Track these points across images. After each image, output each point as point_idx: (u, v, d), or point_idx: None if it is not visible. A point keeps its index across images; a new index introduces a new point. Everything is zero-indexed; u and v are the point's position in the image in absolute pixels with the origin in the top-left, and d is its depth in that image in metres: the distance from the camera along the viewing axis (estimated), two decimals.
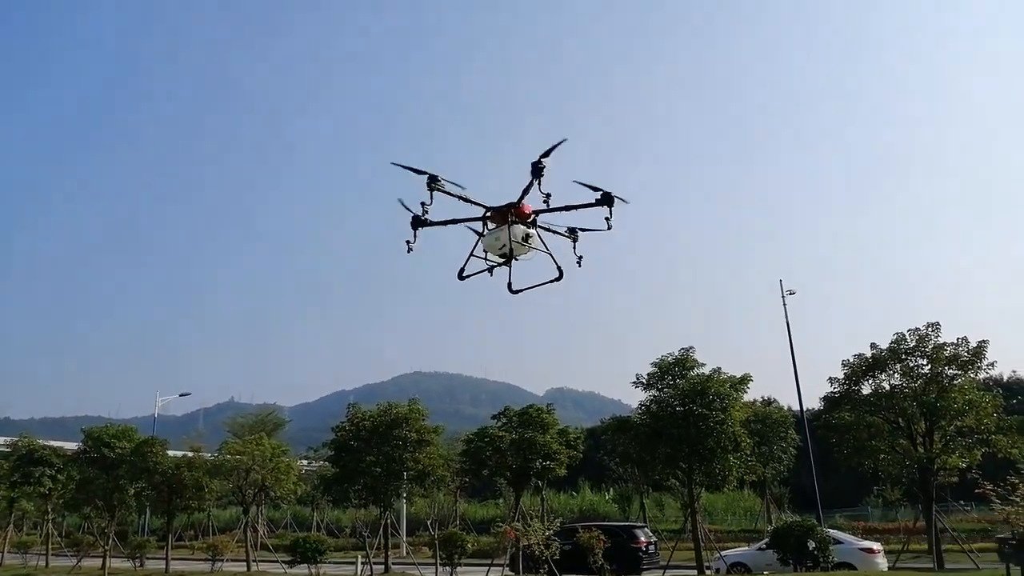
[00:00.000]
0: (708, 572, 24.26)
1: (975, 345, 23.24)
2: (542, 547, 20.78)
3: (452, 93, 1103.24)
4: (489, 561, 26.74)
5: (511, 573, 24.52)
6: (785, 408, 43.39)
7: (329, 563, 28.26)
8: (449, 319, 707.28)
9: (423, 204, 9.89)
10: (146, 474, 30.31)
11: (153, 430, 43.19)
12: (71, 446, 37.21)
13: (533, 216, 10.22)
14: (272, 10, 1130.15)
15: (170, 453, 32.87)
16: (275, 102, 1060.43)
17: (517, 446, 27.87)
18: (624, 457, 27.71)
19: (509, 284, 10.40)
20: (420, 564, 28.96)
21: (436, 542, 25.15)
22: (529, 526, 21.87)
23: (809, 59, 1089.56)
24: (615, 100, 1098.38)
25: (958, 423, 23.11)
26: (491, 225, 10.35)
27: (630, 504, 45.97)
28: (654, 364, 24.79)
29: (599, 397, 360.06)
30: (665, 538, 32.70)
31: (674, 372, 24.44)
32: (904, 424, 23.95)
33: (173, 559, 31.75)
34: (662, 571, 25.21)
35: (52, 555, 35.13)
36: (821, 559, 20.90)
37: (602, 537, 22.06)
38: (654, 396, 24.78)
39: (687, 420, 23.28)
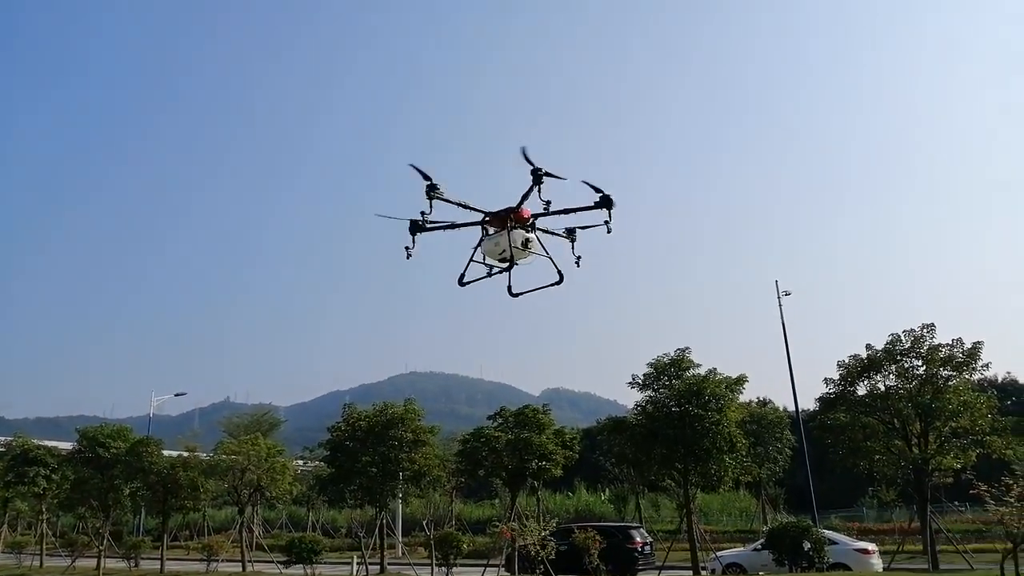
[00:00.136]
0: (704, 573, 24.28)
1: (970, 346, 23.35)
2: (538, 547, 20.78)
3: (459, 99, 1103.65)
4: (485, 561, 26.71)
5: (507, 573, 24.47)
6: (781, 409, 43.62)
7: (325, 563, 28.19)
8: (445, 319, 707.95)
9: (423, 213, 9.94)
10: (141, 474, 30.24)
11: (148, 430, 43.08)
12: (66, 446, 37.10)
13: (532, 220, 10.25)
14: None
15: (165, 453, 32.78)
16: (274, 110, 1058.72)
17: (513, 446, 27.90)
18: (620, 457, 27.74)
19: (509, 287, 10.42)
20: (416, 564, 28.90)
21: (432, 542, 25.11)
22: (525, 526, 21.89)
23: (809, 58, 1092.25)
24: (608, 101, 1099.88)
25: (953, 424, 23.18)
26: (490, 230, 10.38)
27: (626, 504, 46.02)
28: (650, 365, 24.80)
29: (595, 397, 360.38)
30: (661, 538, 32.70)
31: (670, 373, 24.45)
32: (899, 425, 24.01)
33: (168, 559, 31.68)
34: (658, 571, 25.21)
35: (46, 555, 35.00)
36: (816, 560, 20.93)
37: (598, 537, 22.10)
38: (650, 397, 24.78)
39: (683, 421, 23.29)
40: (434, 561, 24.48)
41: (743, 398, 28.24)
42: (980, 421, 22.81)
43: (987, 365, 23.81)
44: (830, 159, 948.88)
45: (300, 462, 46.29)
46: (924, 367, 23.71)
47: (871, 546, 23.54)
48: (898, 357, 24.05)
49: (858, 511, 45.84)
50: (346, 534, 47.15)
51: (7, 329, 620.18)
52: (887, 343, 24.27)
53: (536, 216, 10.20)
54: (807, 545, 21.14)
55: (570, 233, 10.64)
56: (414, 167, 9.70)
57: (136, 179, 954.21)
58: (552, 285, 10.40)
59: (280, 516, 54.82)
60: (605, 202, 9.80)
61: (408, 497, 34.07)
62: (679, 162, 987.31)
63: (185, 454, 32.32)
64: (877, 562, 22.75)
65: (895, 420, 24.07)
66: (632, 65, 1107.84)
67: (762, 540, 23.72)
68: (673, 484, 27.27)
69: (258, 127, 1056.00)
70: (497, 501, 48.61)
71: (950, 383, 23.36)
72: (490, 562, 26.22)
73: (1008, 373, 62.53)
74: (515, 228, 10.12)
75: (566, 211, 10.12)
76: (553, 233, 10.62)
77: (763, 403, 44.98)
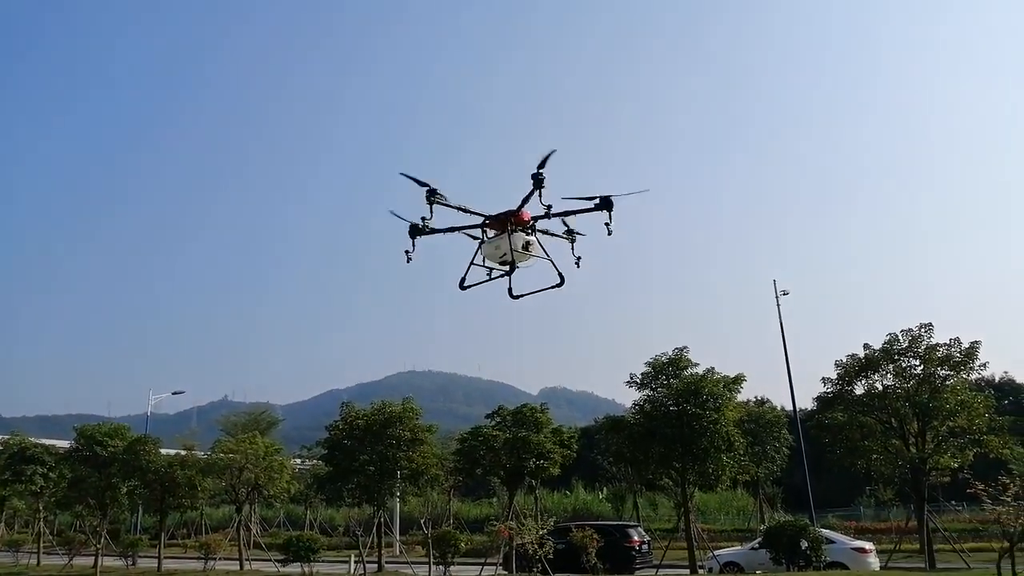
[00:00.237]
0: (701, 571, 24.31)
1: (967, 346, 23.39)
2: (536, 546, 20.79)
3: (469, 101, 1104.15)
4: (483, 560, 26.73)
5: (504, 572, 24.50)
6: (778, 408, 43.69)
7: (322, 562, 28.23)
8: (443, 318, 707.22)
9: (423, 218, 9.95)
10: (139, 472, 30.21)
11: (146, 428, 43.01)
12: (63, 444, 37.07)
13: (532, 222, 10.27)
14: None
15: (163, 451, 32.74)
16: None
17: (511, 445, 27.93)
18: (618, 456, 27.78)
19: (510, 290, 10.44)
20: (413, 563, 28.92)
21: (429, 541, 25.13)
22: (523, 525, 21.92)
23: (808, 58, 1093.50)
24: (610, 101, 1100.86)
25: (950, 423, 23.23)
26: (490, 233, 10.40)
27: (623, 503, 46.05)
28: (648, 364, 24.85)
29: (593, 396, 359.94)
30: (658, 537, 32.75)
31: (668, 372, 24.51)
32: (897, 424, 24.05)
33: (165, 558, 31.63)
34: (655, 570, 25.27)
35: (44, 553, 34.97)
36: (814, 558, 20.98)
37: (595, 536, 22.10)
38: (648, 396, 24.84)
39: (680, 420, 23.35)
40: (432, 560, 24.49)
41: (741, 397, 28.31)
42: (977, 421, 22.86)
43: (984, 365, 23.90)
44: (832, 157, 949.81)
45: (298, 460, 46.28)
46: (922, 367, 23.75)
47: (868, 545, 23.60)
48: (896, 357, 24.09)
49: (855, 510, 45.91)
50: (344, 532, 47.15)
51: (5, 327, 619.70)
52: (885, 343, 24.31)
53: (536, 218, 10.23)
54: (804, 544, 21.20)
55: (570, 234, 10.66)
56: (406, 175, 9.72)
57: (136, 181, 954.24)
58: (553, 287, 10.40)
59: (278, 514, 54.79)
60: (605, 204, 9.83)
61: (406, 496, 34.10)
62: (678, 162, 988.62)
63: (183, 452, 32.28)
64: (874, 561, 22.81)
65: (892, 419, 24.11)
66: (645, 65, 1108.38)
67: (759, 539, 23.78)
68: (671, 483, 27.35)
69: (258, 127, 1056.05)
70: (495, 500, 48.64)
71: (947, 383, 23.40)
72: (488, 561, 26.24)
73: (1005, 373, 62.68)
74: (515, 231, 10.13)
75: (566, 213, 10.14)
76: (553, 235, 10.64)
77: (761, 402, 45.16)
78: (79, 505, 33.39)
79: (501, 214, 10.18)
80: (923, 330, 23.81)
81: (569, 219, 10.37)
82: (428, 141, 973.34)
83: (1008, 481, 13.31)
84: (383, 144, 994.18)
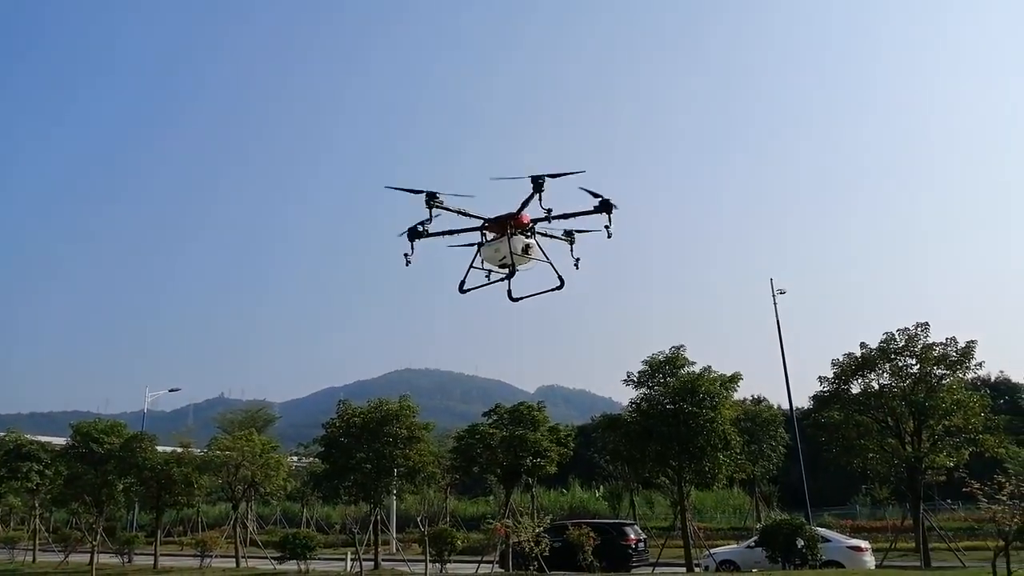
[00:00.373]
0: (697, 569, 24.36)
1: (963, 345, 23.40)
2: (532, 544, 20.81)
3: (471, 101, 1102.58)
4: (479, 558, 26.77)
5: (501, 570, 24.54)
6: (775, 407, 43.71)
7: (319, 560, 28.23)
8: (441, 316, 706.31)
9: (423, 223, 9.95)
10: (135, 469, 30.19)
11: (142, 425, 43.04)
12: (59, 441, 37.05)
13: (532, 225, 10.28)
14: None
15: (159, 449, 32.75)
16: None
17: (508, 443, 27.89)
18: (614, 455, 27.82)
19: (509, 292, 10.44)
20: (410, 561, 28.93)
21: (426, 539, 25.14)
22: (519, 523, 21.95)
23: (808, 58, 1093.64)
24: (610, 101, 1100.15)
25: (946, 422, 23.26)
26: (489, 236, 10.40)
27: (620, 501, 46.07)
28: (645, 362, 24.86)
29: (590, 395, 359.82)
30: (655, 535, 32.80)
31: (664, 370, 24.52)
32: (893, 423, 24.08)
33: (162, 555, 31.62)
34: (651, 568, 25.30)
35: (39, 550, 34.96)
36: (809, 557, 21.03)
37: (592, 534, 22.14)
38: (644, 394, 24.86)
39: (677, 418, 23.37)
40: (428, 557, 24.49)
41: (737, 396, 28.33)
42: (973, 420, 22.89)
43: (980, 364, 23.89)
44: (830, 157, 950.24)
45: (294, 458, 46.26)
46: (918, 366, 23.77)
47: (864, 543, 23.65)
48: (892, 356, 24.10)
49: (851, 509, 45.96)
50: (340, 530, 47.17)
51: (2, 324, 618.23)
52: (881, 342, 24.32)
53: (536, 221, 10.23)
54: (800, 542, 21.25)
55: (569, 236, 10.68)
56: (393, 187, 9.73)
57: (136, 181, 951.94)
58: (553, 290, 10.42)
59: (274, 512, 54.75)
60: (605, 206, 9.83)
61: (402, 493, 34.02)
62: (678, 162, 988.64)
63: (179, 450, 32.31)
64: (870, 559, 22.85)
65: (889, 418, 24.14)
66: (645, 65, 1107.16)
67: (755, 537, 23.83)
68: (667, 481, 27.37)
69: (258, 127, 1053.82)
70: (492, 498, 48.59)
71: (944, 382, 23.43)
72: (484, 558, 26.27)
73: (1001, 372, 62.71)
74: (515, 234, 10.13)
75: (566, 216, 10.15)
76: (552, 236, 10.65)
77: (757, 401, 45.16)
78: (75, 502, 33.37)
79: (500, 217, 10.18)
80: (919, 329, 23.84)
81: (568, 221, 10.38)
82: (428, 141, 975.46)
83: (1003, 480, 13.32)
84: (383, 144, 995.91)
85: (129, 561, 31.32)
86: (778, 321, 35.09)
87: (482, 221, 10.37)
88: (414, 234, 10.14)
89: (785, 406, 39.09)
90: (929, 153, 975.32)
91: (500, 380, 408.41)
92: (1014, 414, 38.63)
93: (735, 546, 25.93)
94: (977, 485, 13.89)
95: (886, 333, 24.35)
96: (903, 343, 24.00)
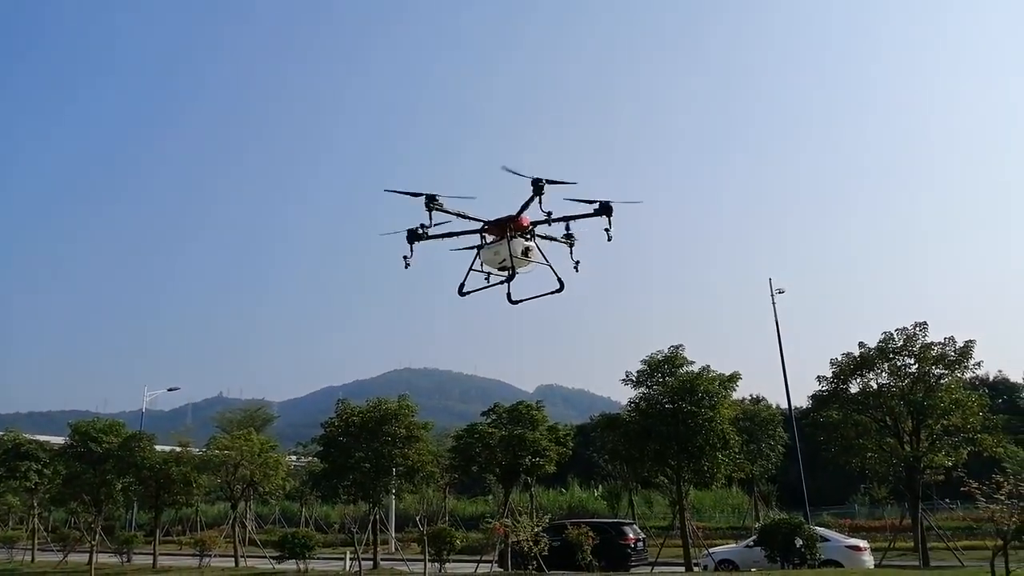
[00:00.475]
0: (696, 569, 24.36)
1: (962, 345, 23.42)
2: (531, 543, 20.83)
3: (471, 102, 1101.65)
4: (478, 557, 26.78)
5: (500, 569, 24.54)
6: (773, 406, 43.63)
7: (318, 559, 28.21)
8: (440, 315, 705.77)
9: (423, 225, 9.94)
10: (133, 469, 30.16)
11: (141, 425, 42.91)
12: (58, 440, 37.04)
13: (531, 228, 10.27)
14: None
15: (158, 448, 32.73)
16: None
17: (506, 443, 27.90)
18: (613, 454, 27.83)
19: (509, 295, 10.43)
20: (409, 560, 28.93)
21: (425, 538, 25.13)
22: (518, 522, 21.93)
23: (808, 58, 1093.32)
24: (610, 101, 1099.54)
25: (944, 422, 23.28)
26: (489, 238, 10.38)
27: (619, 501, 46.05)
28: (644, 362, 24.86)
29: (589, 394, 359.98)
30: (653, 535, 32.81)
31: (663, 370, 24.52)
32: (891, 423, 24.10)
33: (160, 554, 31.63)
34: (650, 568, 25.31)
35: (38, 550, 34.94)
36: (808, 556, 21.02)
37: (590, 534, 22.15)
38: (643, 393, 24.86)
39: (676, 417, 23.38)
40: (427, 557, 24.49)
41: (736, 395, 28.31)
42: (971, 419, 22.91)
43: (979, 364, 23.92)
44: (829, 157, 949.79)
45: (293, 457, 46.24)
46: (916, 365, 23.79)
47: (863, 543, 23.65)
48: (891, 355, 24.12)
49: (850, 508, 45.98)
50: (339, 530, 47.15)
51: (1, 324, 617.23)
52: (880, 341, 24.34)
53: (535, 223, 10.22)
54: (799, 542, 21.25)
55: (569, 238, 10.66)
56: (393, 191, 9.71)
57: (136, 181, 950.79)
58: (552, 293, 10.41)
59: (273, 511, 54.71)
60: (604, 209, 9.82)
61: (401, 493, 34.03)
62: (678, 162, 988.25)
63: (178, 449, 32.31)
64: (868, 559, 22.85)
65: (887, 418, 24.16)
66: (645, 65, 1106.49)
67: (754, 537, 23.83)
68: (666, 481, 27.39)
69: (257, 127, 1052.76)
70: (490, 497, 48.55)
71: (942, 381, 23.45)
72: (483, 558, 26.27)
73: (1000, 372, 62.78)
74: (515, 237, 10.12)
75: (566, 219, 10.15)
76: (552, 239, 10.63)
77: (756, 400, 45.08)
78: (74, 502, 33.33)
79: (500, 219, 10.17)
80: (918, 329, 23.86)
81: (567, 222, 10.38)
82: (428, 141, 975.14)
83: (1002, 479, 13.32)
84: (383, 144, 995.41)
85: (128, 560, 31.30)
86: (777, 321, 35.11)
87: (482, 224, 10.35)
88: (413, 237, 10.13)
89: (784, 405, 39.09)
90: (929, 153, 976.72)
91: (499, 380, 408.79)
92: (1012, 414, 38.70)
93: (734, 545, 25.93)
94: (975, 485, 13.89)
95: (885, 333, 24.39)
96: (901, 343, 24.01)
